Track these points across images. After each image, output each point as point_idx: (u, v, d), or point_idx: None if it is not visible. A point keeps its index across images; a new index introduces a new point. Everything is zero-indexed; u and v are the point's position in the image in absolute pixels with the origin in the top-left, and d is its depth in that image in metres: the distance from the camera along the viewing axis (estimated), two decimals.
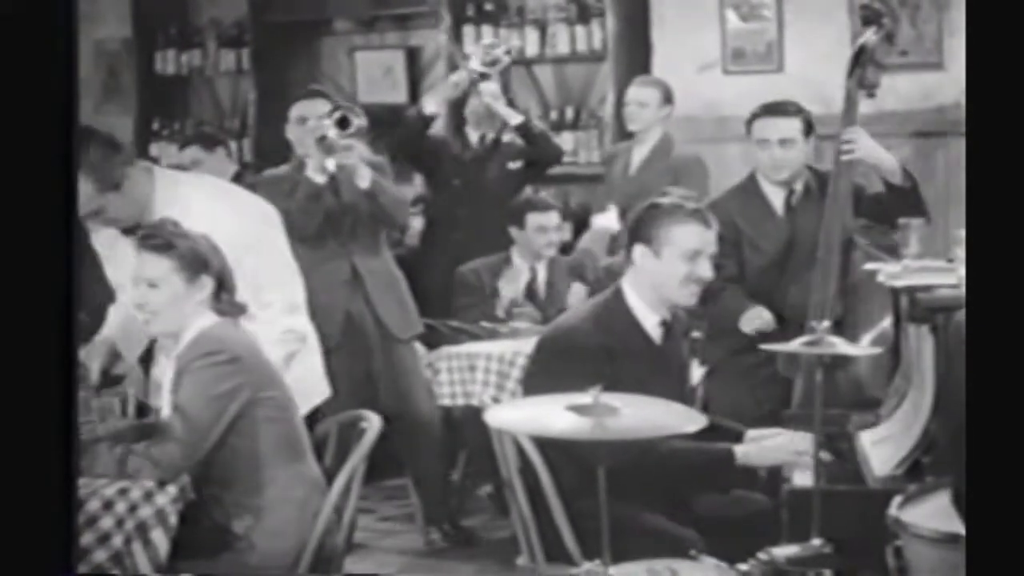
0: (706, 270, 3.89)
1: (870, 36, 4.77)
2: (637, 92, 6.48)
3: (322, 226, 5.29)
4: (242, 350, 3.76)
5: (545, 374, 3.82)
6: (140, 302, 3.79)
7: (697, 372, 4.29)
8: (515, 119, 6.46)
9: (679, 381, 4.06)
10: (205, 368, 3.68)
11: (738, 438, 3.98)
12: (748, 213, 4.92)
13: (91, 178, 4.00)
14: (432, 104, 6.47)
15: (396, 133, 6.53)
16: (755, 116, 4.96)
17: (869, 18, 4.82)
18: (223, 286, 3.81)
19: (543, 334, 4.10)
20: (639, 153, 6.44)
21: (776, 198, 4.93)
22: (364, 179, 5.24)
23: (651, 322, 3.93)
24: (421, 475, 5.64)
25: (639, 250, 3.89)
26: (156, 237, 3.79)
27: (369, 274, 5.44)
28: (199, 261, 3.77)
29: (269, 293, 4.18)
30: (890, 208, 4.75)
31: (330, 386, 4.55)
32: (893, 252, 4.35)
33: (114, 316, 4.29)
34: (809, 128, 4.91)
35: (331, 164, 5.24)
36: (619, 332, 3.89)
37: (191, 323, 3.76)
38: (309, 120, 5.46)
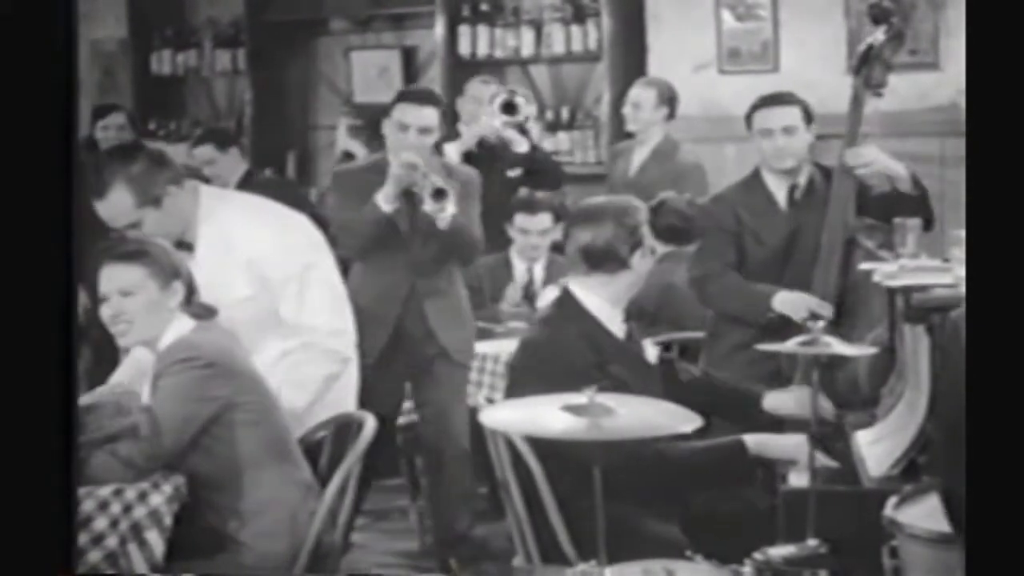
0: None
1: (878, 35, 4.78)
2: (634, 93, 6.49)
3: (384, 244, 5.03)
4: (218, 355, 3.75)
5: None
6: (114, 312, 3.75)
7: (651, 351, 4.28)
8: (522, 146, 6.40)
9: (648, 368, 4.06)
10: (181, 373, 3.68)
11: (756, 402, 4.07)
12: (751, 205, 4.92)
13: (130, 191, 4.02)
14: (452, 154, 6.39)
15: None
16: (755, 108, 4.96)
17: (878, 17, 4.81)
18: (191, 290, 3.81)
19: (512, 358, 4.04)
20: (639, 155, 6.46)
21: (779, 191, 4.92)
22: (444, 221, 4.94)
23: (616, 320, 3.95)
24: (441, 499, 5.39)
25: (638, 254, 3.93)
26: (124, 245, 3.80)
27: (429, 293, 5.15)
28: (171, 267, 3.78)
29: (314, 317, 4.19)
30: (896, 208, 4.76)
31: (363, 401, 4.46)
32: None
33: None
34: (809, 117, 4.92)
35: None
36: (592, 339, 3.89)
37: (167, 329, 3.77)
38: (410, 130, 5.07)
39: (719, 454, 3.84)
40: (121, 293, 3.73)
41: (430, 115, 5.10)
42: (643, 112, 6.44)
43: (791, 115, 4.90)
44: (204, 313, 3.82)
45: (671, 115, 6.51)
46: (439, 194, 4.89)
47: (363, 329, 4.54)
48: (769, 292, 4.77)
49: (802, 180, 4.92)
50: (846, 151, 4.73)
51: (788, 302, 4.73)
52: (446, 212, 4.89)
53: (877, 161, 4.77)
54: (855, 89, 4.78)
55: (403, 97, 5.22)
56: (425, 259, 5.11)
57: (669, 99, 6.47)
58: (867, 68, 4.77)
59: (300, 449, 3.92)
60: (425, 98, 5.22)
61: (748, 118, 4.98)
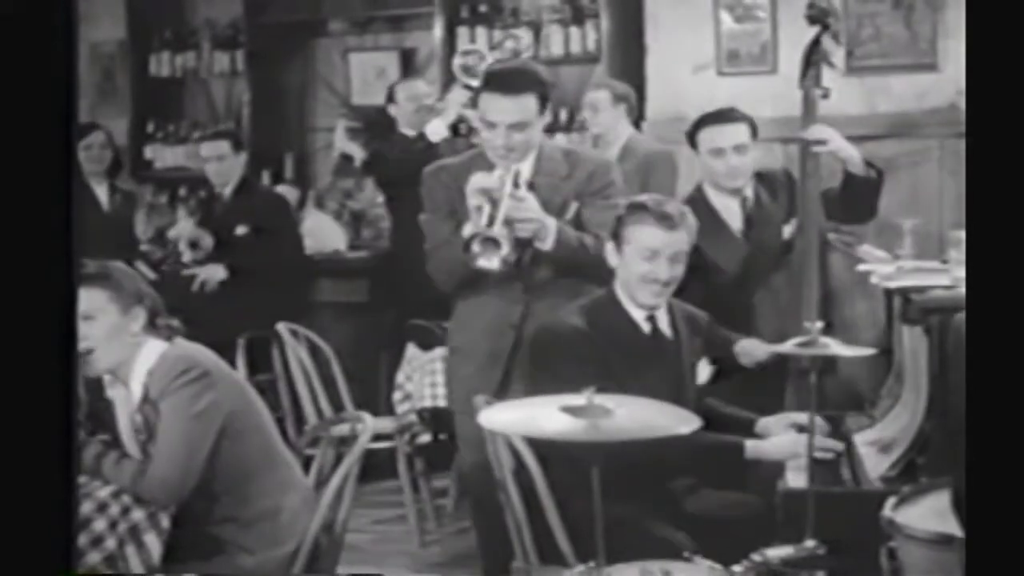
0: (663, 271, 3.91)
1: (819, 35, 4.77)
2: (588, 97, 6.50)
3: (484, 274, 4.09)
4: (210, 363, 3.73)
5: (539, 371, 3.91)
6: (82, 337, 3.58)
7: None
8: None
9: (677, 373, 4.06)
10: (182, 388, 3.63)
11: (749, 426, 4.03)
12: (703, 232, 4.75)
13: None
14: (439, 130, 6.35)
15: (395, 160, 6.48)
16: (700, 126, 4.88)
17: (816, 17, 4.81)
18: (155, 314, 3.77)
19: (534, 332, 4.08)
20: (609, 155, 6.44)
21: (728, 213, 4.82)
22: (547, 241, 4.00)
23: (639, 315, 3.98)
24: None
25: (609, 247, 3.98)
26: (86, 268, 3.66)
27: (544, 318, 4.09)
28: (134, 292, 3.73)
29: None
30: (843, 203, 4.75)
31: None
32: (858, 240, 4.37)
33: None
34: (754, 133, 4.85)
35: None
36: (608, 323, 3.93)
37: (138, 353, 3.71)
38: (497, 128, 4.05)
39: (717, 447, 3.85)
40: (83, 317, 3.54)
41: (520, 106, 3.98)
42: (601, 114, 6.42)
43: (740, 132, 4.82)
44: (170, 332, 3.77)
45: (636, 112, 6.50)
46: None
47: (474, 367, 4.22)
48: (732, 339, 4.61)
49: (749, 194, 4.86)
50: (805, 129, 4.69)
51: (745, 351, 4.56)
52: (501, 253, 3.93)
53: (833, 140, 4.73)
54: (805, 91, 4.76)
55: (488, 85, 4.06)
56: (538, 283, 4.17)
57: (625, 97, 6.45)
58: (813, 69, 4.76)
59: (291, 451, 3.93)
60: (514, 84, 3.99)
61: (691, 136, 4.91)
